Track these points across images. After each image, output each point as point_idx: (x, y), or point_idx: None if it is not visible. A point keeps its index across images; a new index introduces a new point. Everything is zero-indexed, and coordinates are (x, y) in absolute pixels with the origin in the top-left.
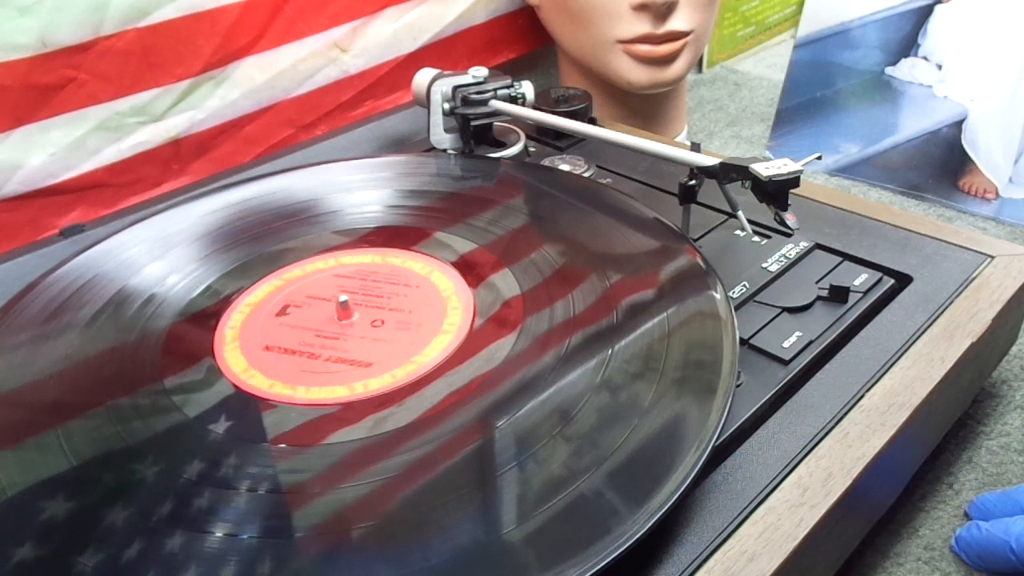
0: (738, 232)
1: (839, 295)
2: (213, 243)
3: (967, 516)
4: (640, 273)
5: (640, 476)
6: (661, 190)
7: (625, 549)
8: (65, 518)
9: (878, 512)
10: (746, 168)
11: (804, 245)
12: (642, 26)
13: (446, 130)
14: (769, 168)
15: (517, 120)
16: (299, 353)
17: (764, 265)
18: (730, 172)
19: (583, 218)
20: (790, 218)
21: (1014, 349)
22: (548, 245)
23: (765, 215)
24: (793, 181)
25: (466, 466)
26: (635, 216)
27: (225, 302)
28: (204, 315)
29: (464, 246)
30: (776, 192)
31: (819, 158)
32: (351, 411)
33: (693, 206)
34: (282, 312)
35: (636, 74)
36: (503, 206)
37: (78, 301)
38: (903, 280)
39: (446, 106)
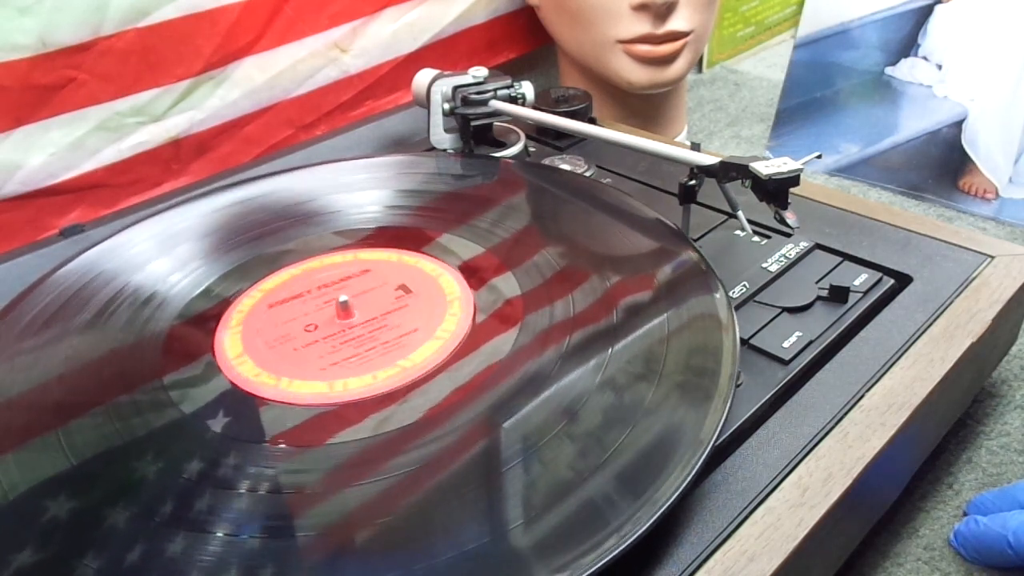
0: (738, 232)
1: (839, 295)
2: (213, 243)
3: (966, 516)
4: (640, 273)
5: (640, 476)
6: (661, 190)
7: (625, 548)
8: (67, 519)
9: (878, 512)
10: (746, 167)
11: (804, 245)
12: (642, 26)
13: (446, 130)
14: (769, 167)
15: (517, 120)
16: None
17: (764, 265)
18: (730, 171)
19: (583, 218)
20: (790, 217)
21: (1014, 349)
22: (548, 245)
23: (765, 215)
24: (793, 180)
25: (466, 465)
26: (635, 216)
27: (225, 302)
28: (204, 315)
29: (464, 246)
30: (776, 191)
31: (819, 157)
32: (351, 410)
33: (693, 206)
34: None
35: (636, 74)
36: (503, 206)
37: (78, 302)
38: (903, 280)
39: (446, 106)
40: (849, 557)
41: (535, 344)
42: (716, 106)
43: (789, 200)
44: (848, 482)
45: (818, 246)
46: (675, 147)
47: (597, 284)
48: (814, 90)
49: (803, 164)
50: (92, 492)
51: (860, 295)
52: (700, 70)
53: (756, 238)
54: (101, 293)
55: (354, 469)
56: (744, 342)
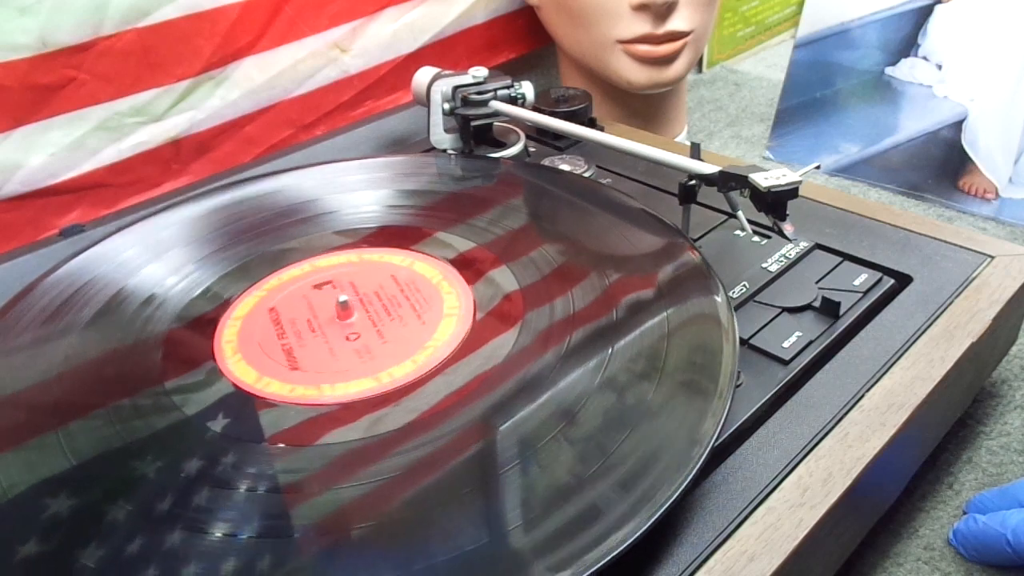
0: (738, 232)
1: (830, 309)
2: (213, 243)
3: (966, 515)
4: (640, 273)
5: (640, 476)
6: (661, 190)
7: (625, 549)
8: (66, 518)
9: (878, 512)
10: (745, 177)
11: (804, 245)
12: (642, 26)
13: (446, 130)
14: (768, 178)
15: (517, 120)
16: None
17: (764, 265)
18: (729, 181)
19: (583, 218)
20: (788, 228)
21: (1014, 349)
22: (548, 245)
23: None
24: (792, 192)
25: (465, 466)
26: (635, 216)
27: (225, 303)
28: (204, 315)
29: (464, 246)
30: (775, 202)
31: (818, 167)
32: (350, 411)
33: (693, 206)
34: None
35: (636, 74)
36: (503, 206)
37: (78, 301)
38: (903, 280)
39: (446, 106)
40: (849, 557)
41: (535, 345)
42: (716, 106)
43: (787, 212)
44: (848, 482)
45: (818, 246)
46: (674, 154)
47: (597, 284)
48: (814, 90)
49: (802, 176)
50: (91, 491)
51: (860, 295)
52: (700, 70)
53: (756, 238)
54: (101, 293)
55: (353, 469)
56: (744, 342)
